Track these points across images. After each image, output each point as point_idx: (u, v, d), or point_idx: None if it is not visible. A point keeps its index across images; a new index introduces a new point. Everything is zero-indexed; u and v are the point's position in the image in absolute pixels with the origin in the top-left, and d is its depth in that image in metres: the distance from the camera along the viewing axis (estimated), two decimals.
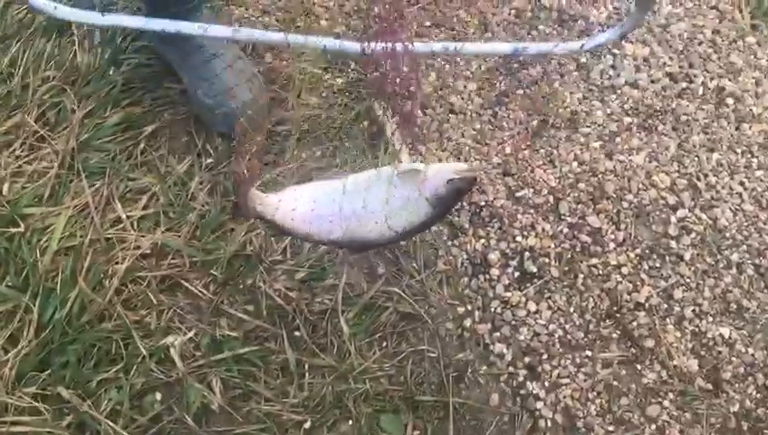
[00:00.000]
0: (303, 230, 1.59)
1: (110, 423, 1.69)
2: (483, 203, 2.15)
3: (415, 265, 2.03)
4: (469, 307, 2.00)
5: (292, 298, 1.92)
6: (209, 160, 2.09)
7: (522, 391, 1.90)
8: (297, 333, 1.88)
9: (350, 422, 1.81)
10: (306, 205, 1.59)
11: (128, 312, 1.82)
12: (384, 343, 1.92)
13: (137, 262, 1.90)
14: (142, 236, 1.93)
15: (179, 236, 1.95)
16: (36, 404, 1.66)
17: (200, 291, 1.89)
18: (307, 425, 1.78)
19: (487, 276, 2.04)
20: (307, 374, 1.84)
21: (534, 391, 1.89)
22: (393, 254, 2.04)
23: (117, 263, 1.88)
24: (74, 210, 1.95)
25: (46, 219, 1.92)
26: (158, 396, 1.76)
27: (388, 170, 1.56)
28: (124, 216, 1.96)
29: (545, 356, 1.94)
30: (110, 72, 2.17)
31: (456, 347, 1.94)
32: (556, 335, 1.97)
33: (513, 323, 1.98)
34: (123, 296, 1.84)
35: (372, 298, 1.95)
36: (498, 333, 1.97)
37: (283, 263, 1.98)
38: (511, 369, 1.93)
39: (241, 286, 1.92)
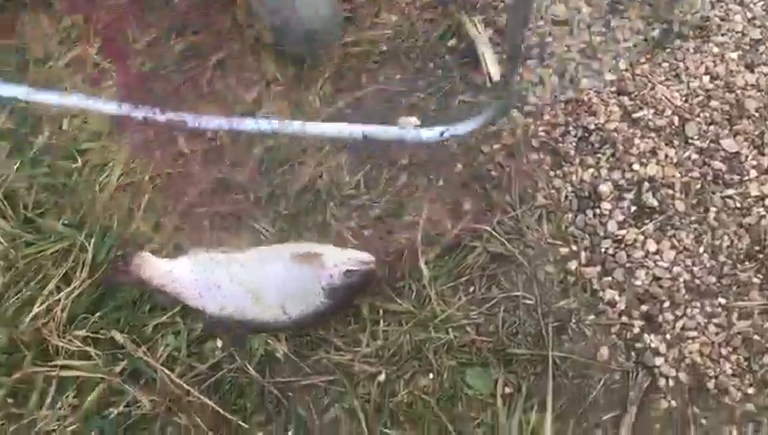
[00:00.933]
0: (193, 302, 1.55)
1: (167, 371, 1.54)
2: (592, 126, 1.82)
3: (509, 198, 1.74)
4: (574, 248, 1.69)
5: (365, 237, 1.70)
6: (278, 88, 1.89)
7: (637, 345, 1.58)
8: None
9: (431, 376, 1.57)
10: (200, 274, 1.55)
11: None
12: (471, 288, 1.66)
13: (199, 198, 1.73)
14: (205, 171, 1.76)
15: (244, 170, 1.76)
16: (87, 348, 1.54)
17: (264, 228, 1.70)
18: (381, 377, 1.56)
19: (597, 211, 1.73)
20: (382, 321, 1.61)
21: (653, 345, 1.57)
22: (482, 187, 1.77)
23: (177, 199, 1.72)
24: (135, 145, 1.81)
25: (106, 155, 1.79)
26: (219, 343, 1.60)
27: (288, 250, 1.55)
28: (187, 150, 1.80)
29: (667, 304, 1.61)
30: None
31: (557, 294, 1.65)
32: (681, 280, 1.63)
33: (628, 265, 1.66)
34: (183, 234, 1.68)
35: (457, 237, 1.69)
36: (609, 278, 1.66)
37: (357, 198, 1.75)
38: (624, 319, 1.61)
39: (309, 224, 1.72)
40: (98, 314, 1.58)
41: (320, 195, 1.74)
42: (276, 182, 1.75)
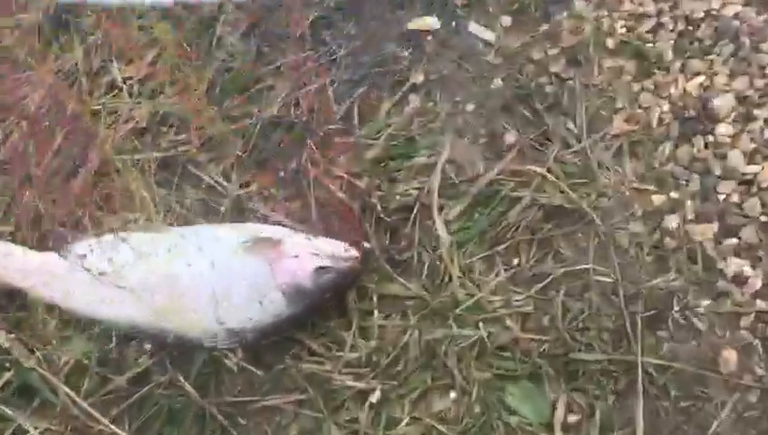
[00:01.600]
0: (82, 310, 1.08)
1: (68, 390, 1.06)
2: (700, 14, 1.21)
3: (571, 125, 1.17)
4: (675, 195, 1.10)
5: (358, 189, 1.16)
6: None
7: None
8: (365, 245, 1.12)
9: (452, 395, 1.03)
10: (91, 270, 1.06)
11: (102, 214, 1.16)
12: (514, 260, 1.10)
13: (127, 141, 1.23)
14: (138, 104, 1.26)
15: (194, 100, 1.25)
16: None
17: (215, 180, 1.18)
18: (375, 396, 1.03)
19: (710, 139, 1.13)
20: (376, 312, 1.08)
21: None
22: (531, 110, 1.19)
23: (97, 144, 1.23)
24: (57, 75, 1.32)
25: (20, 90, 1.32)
26: (149, 345, 1.09)
27: (232, 233, 1.08)
28: (120, 78, 1.30)
29: None
30: None
31: (649, 267, 1.07)
32: None
33: (765, 219, 1.06)
34: (100, 188, 1.19)
35: (493, 185, 1.13)
36: (734, 241, 1.06)
37: (348, 134, 1.21)
38: (762, 304, 1.02)
39: (281, 173, 1.19)
40: None
41: (294, 129, 1.21)
42: (234, 114, 1.23)
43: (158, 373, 1.08)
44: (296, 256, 1.05)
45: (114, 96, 1.27)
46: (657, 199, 1.11)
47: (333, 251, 1.06)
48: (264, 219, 1.15)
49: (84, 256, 1.07)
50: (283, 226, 1.12)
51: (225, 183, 1.18)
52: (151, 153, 1.21)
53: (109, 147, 1.20)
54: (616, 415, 1.00)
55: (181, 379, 1.06)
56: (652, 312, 1.03)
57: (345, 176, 1.17)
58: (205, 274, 1.04)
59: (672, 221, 1.08)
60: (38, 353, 1.08)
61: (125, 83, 1.28)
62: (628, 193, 1.12)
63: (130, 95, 1.27)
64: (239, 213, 1.17)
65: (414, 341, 1.05)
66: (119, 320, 1.05)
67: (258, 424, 1.05)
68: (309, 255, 1.05)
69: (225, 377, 1.07)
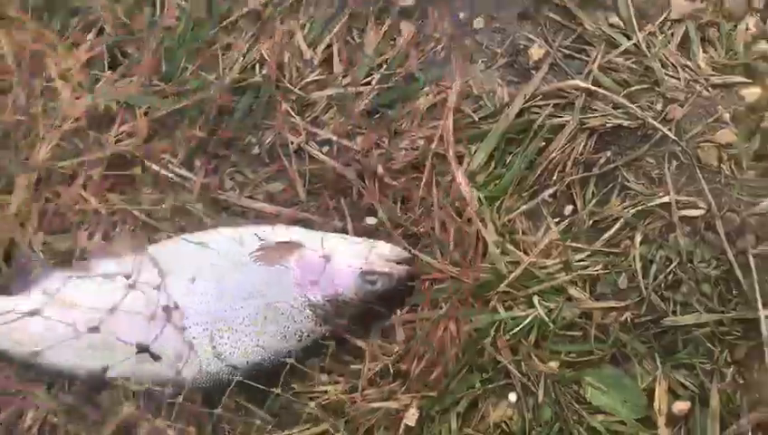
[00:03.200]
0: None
1: None
2: None
3: (615, 19, 0.89)
4: None
5: (353, 151, 0.90)
6: None
7: None
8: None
9: (512, 398, 0.79)
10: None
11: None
12: (567, 208, 0.83)
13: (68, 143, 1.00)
14: (78, 99, 1.02)
15: (139, 80, 1.01)
16: None
17: (175, 172, 0.94)
18: (411, 417, 0.78)
19: None
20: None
21: None
22: (556, 7, 0.91)
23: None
24: None
25: None
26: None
27: (236, 238, 0.84)
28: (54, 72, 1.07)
29: None
30: None
31: (753, 185, 0.79)
32: None
33: None
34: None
35: (524, 115, 0.86)
36: None
37: (331, 85, 0.95)
38: None
39: (255, 149, 0.95)
40: None
41: (262, 93, 0.96)
42: (188, 88, 0.99)
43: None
44: (328, 261, 0.80)
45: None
46: (750, 93, 0.82)
47: (381, 252, 0.81)
48: (256, 216, 0.91)
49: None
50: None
51: (187, 174, 0.94)
52: (98, 153, 0.97)
53: (46, 154, 0.97)
54: (740, 394, 0.73)
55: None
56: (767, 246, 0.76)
57: (334, 138, 0.92)
58: (205, 300, 0.80)
59: None
60: None
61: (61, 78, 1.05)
62: (707, 93, 0.83)
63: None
64: (215, 210, 0.93)
65: (450, 335, 0.80)
66: (84, 368, 0.82)
67: None
68: (347, 257, 0.81)
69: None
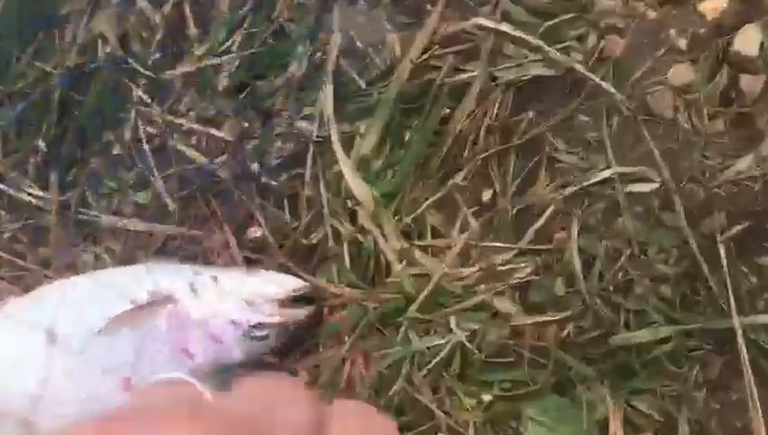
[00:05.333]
0: None
1: None
2: None
3: None
4: None
5: (220, 141, 0.72)
6: None
7: None
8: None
9: None
10: None
11: None
12: (485, 194, 0.64)
13: None
14: None
15: None
16: None
17: (23, 190, 0.78)
18: None
19: None
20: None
21: None
22: None
23: None
24: None
25: None
26: None
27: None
28: None
29: None
30: None
31: (724, 145, 0.59)
32: None
33: None
34: None
35: (421, 75, 0.66)
36: None
37: (188, 56, 0.75)
38: None
39: (116, 148, 0.77)
40: None
41: (109, 74, 0.77)
42: (19, 84, 0.80)
43: None
44: (205, 319, 0.64)
45: None
46: (710, 8, 0.59)
47: (269, 292, 0.64)
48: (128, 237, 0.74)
49: None
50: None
51: (37, 192, 0.77)
52: None
53: None
54: (715, 422, 0.57)
55: None
56: (744, 226, 0.57)
57: (194, 127, 0.73)
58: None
59: (748, 42, 0.58)
60: None
61: None
62: (653, 14, 0.61)
63: None
64: (78, 233, 0.77)
65: (360, 374, 0.65)
66: None
67: None
68: (228, 309, 0.64)
69: None
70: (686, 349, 0.57)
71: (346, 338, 0.65)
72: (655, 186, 0.59)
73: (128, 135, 0.76)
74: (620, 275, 0.59)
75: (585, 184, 0.60)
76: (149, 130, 0.75)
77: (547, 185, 0.62)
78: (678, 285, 0.57)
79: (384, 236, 0.64)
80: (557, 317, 0.61)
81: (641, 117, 0.60)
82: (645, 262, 0.58)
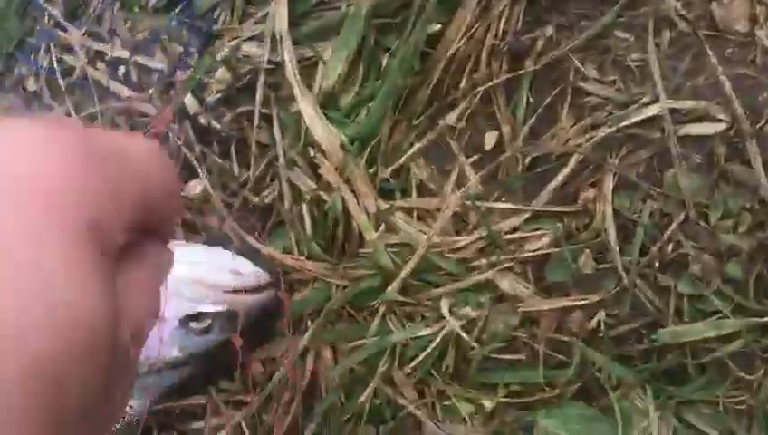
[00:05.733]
0: None
1: None
2: None
3: None
4: None
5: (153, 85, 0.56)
6: None
7: None
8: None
9: None
10: None
11: None
12: (488, 141, 0.48)
13: None
14: None
15: None
16: None
17: None
18: None
19: None
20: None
21: None
22: None
23: None
24: None
25: None
26: None
27: None
28: None
29: None
30: None
31: None
32: None
33: None
34: None
35: None
36: None
37: None
38: None
39: (26, 81, 0.62)
40: None
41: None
42: None
43: None
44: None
45: None
46: None
47: (215, 280, 0.49)
48: None
49: None
50: None
51: None
52: None
53: None
54: None
55: None
56: None
57: (119, 54, 0.57)
58: None
59: None
60: None
61: None
62: None
63: None
64: None
65: (329, 374, 0.51)
66: None
67: None
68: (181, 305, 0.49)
69: None
70: (759, 348, 0.42)
71: (308, 324, 0.51)
72: (721, 127, 0.43)
73: (43, 63, 0.60)
74: (670, 248, 0.44)
75: (623, 124, 0.44)
76: (66, 58, 0.59)
77: (572, 126, 0.46)
78: (751, 262, 0.42)
79: (355, 193, 0.49)
80: (583, 302, 0.46)
81: (703, 32, 0.43)
82: (705, 231, 0.43)
